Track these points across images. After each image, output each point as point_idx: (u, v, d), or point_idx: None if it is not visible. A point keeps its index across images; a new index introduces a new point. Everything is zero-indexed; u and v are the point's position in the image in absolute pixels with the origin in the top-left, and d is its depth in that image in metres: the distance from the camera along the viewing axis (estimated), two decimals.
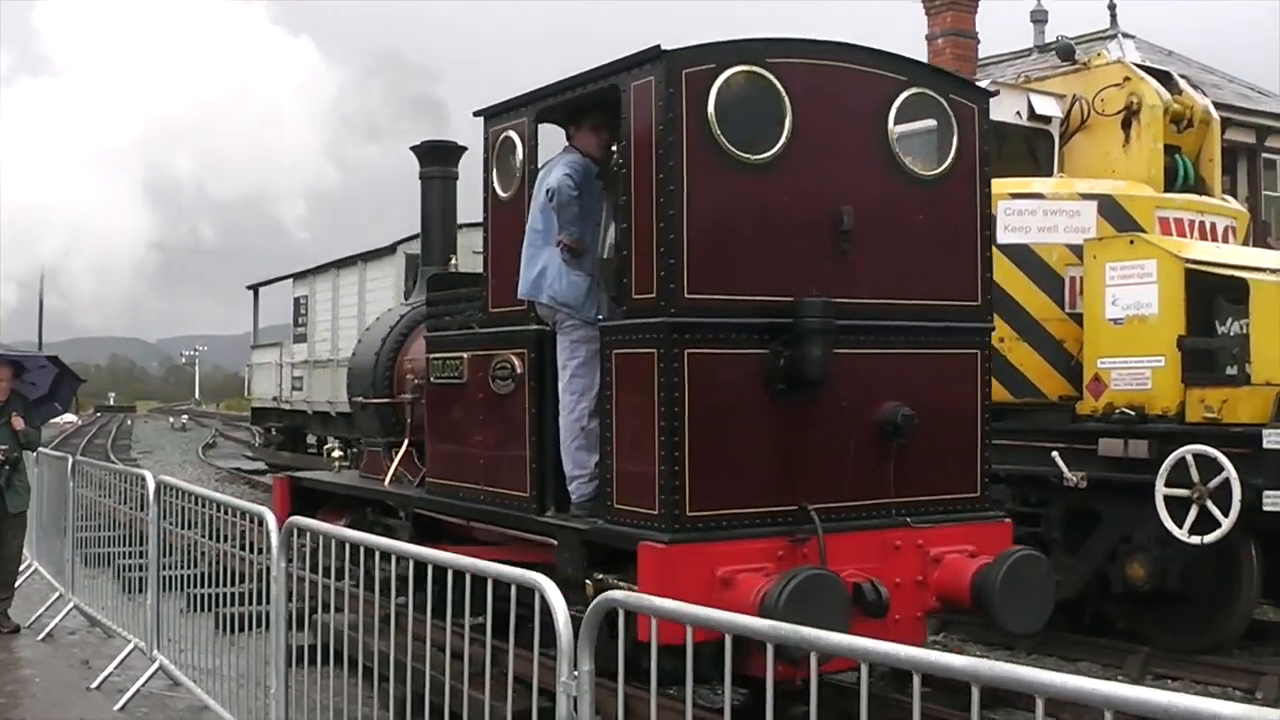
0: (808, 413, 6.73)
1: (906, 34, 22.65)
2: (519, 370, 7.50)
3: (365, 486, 9.67)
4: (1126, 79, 11.44)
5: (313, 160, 19.20)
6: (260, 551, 6.74)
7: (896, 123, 7.08)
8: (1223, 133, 12.52)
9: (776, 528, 6.56)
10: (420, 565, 5.20)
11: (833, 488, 6.77)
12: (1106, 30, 19.61)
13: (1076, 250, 10.27)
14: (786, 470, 6.67)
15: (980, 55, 19.86)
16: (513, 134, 7.67)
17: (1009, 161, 11.23)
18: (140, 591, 9.18)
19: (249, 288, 29.10)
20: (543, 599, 4.31)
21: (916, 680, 3.30)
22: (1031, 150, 11.77)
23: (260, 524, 6.57)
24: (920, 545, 7.00)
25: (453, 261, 10.85)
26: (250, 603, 7.15)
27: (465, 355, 8.09)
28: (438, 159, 10.69)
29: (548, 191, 7.16)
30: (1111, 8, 19.64)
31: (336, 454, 10.85)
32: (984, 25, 19.77)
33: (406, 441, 9.64)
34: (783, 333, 6.58)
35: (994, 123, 9.27)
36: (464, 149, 10.72)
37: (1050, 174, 11.41)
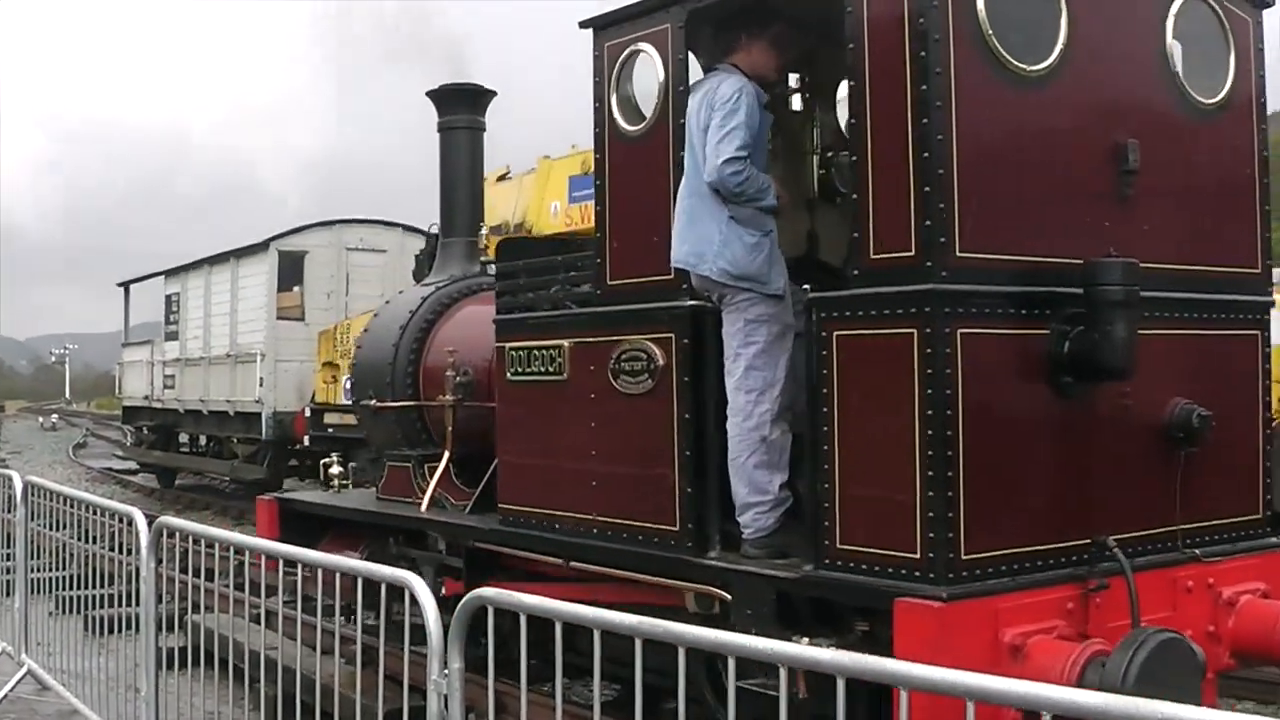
0: (1092, 415, 4.99)
1: None
2: (661, 362, 5.62)
3: (393, 513, 7.67)
4: None
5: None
6: (131, 552, 6.75)
7: (1173, 37, 5.39)
8: None
9: (1065, 571, 4.82)
10: (291, 564, 5.33)
11: (1121, 514, 5.05)
12: None
13: None
14: (1074, 492, 4.92)
15: None
16: (647, 48, 5.78)
17: None
18: (7, 595, 8.91)
19: (120, 285, 26.83)
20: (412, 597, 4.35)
21: None
22: None
23: (130, 524, 6.59)
24: (1211, 585, 5.33)
25: (483, 234, 8.90)
26: (120, 605, 7.25)
27: (566, 344, 6.18)
28: (463, 105, 8.71)
29: (723, 121, 5.30)
30: None
31: (336, 470, 8.81)
32: None
33: (448, 455, 7.69)
34: (1065, 306, 4.84)
35: None
36: (493, 94, 8.78)
37: None
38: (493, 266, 8.61)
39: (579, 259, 6.31)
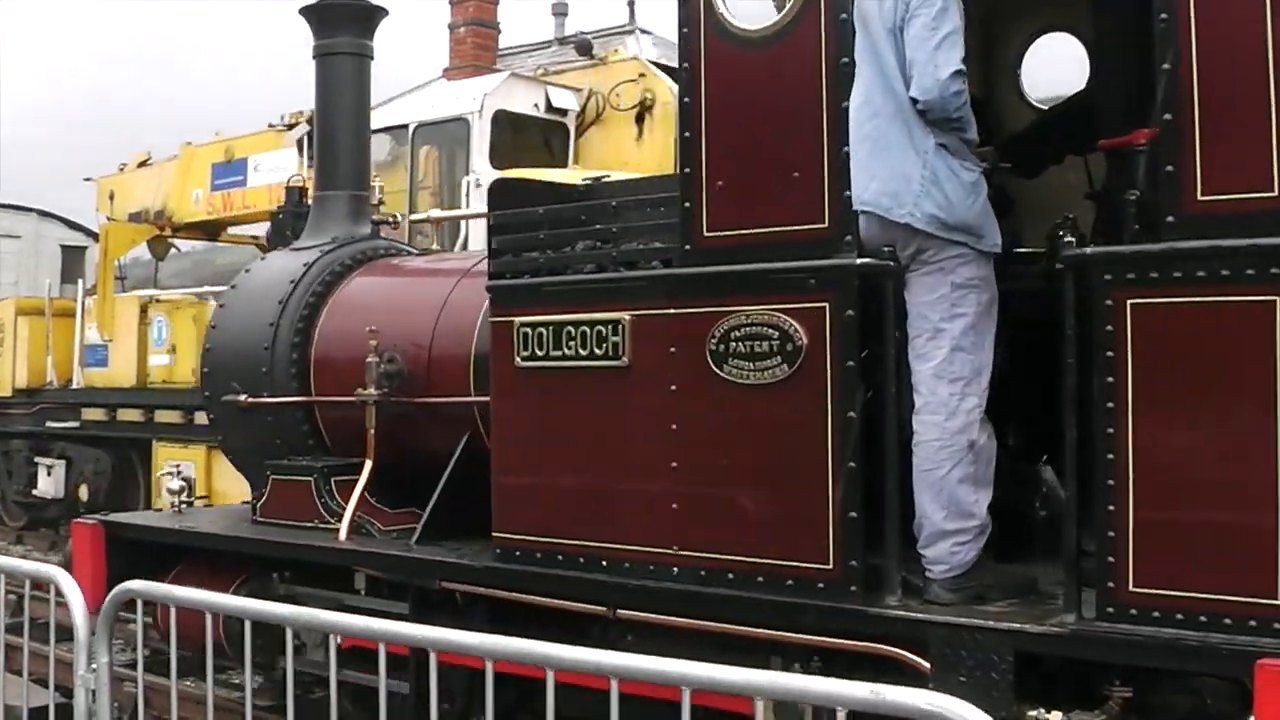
0: None
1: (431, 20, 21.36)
2: (805, 341, 4.14)
3: (312, 544, 5.82)
4: (641, 75, 12.01)
5: None
6: None
7: None
8: None
9: None
10: None
11: None
12: (625, 25, 19.08)
13: None
14: None
15: (501, 46, 19.12)
16: None
17: (524, 152, 11.83)
18: None
19: None
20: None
21: None
22: (547, 142, 12.29)
23: None
24: None
25: (375, 185, 7.11)
26: None
27: (627, 317, 4.60)
28: (348, 25, 6.89)
29: (935, 21, 3.91)
30: (630, 3, 19.13)
31: (175, 485, 6.78)
32: (505, 16, 19.16)
33: (369, 466, 5.92)
34: None
35: (510, 114, 11.78)
36: (385, 12, 7.00)
37: (565, 165, 11.76)
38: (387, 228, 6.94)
39: (644, 203, 4.75)
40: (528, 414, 4.93)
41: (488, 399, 5.52)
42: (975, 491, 4.02)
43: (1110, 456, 3.61)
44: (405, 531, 5.75)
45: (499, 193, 5.18)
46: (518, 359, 4.89)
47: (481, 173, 11.08)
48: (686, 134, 4.46)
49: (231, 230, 16.44)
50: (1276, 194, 3.40)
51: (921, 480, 4.04)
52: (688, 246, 4.45)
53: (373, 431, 5.90)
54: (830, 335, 4.10)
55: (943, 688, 3.78)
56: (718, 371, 4.34)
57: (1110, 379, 3.62)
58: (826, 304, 4.11)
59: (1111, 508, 3.61)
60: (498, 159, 11.62)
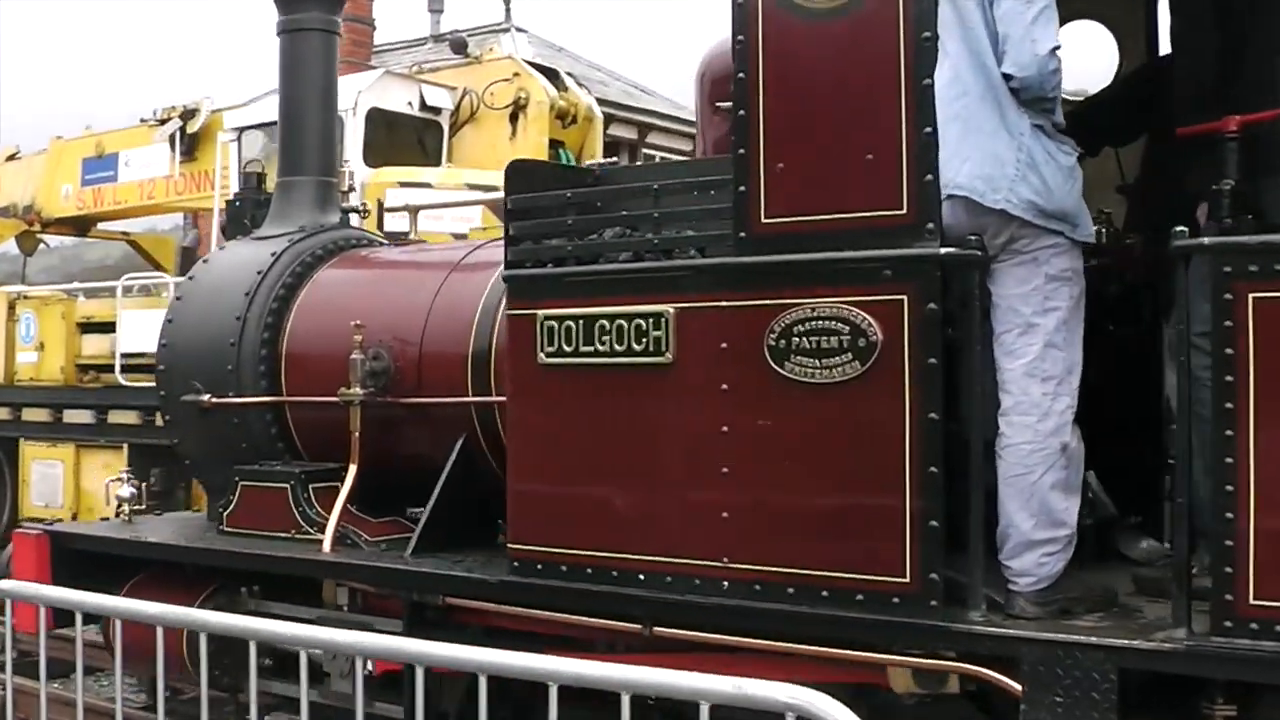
0: None
1: None
2: (881, 336, 3.86)
3: (300, 557, 5.37)
4: (516, 74, 12.11)
5: None
6: None
7: None
8: (606, 128, 13.82)
9: None
10: None
11: None
12: (500, 23, 19.39)
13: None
14: None
15: (376, 42, 19.24)
16: None
17: (398, 150, 11.85)
18: None
19: None
20: None
21: None
22: (421, 140, 12.25)
23: None
24: None
25: (349, 174, 6.68)
26: None
27: (670, 309, 4.27)
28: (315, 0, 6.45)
29: None
30: (506, 2, 19.35)
31: (126, 493, 6.27)
32: (381, 12, 19.31)
33: (353, 472, 5.49)
34: None
35: (384, 111, 11.71)
36: None
37: (439, 164, 11.95)
38: (356, 217, 6.53)
39: (691, 186, 4.42)
40: (552, 415, 4.56)
41: (489, 399, 5.19)
42: (1066, 498, 3.77)
43: (1229, 461, 3.38)
44: (394, 543, 5.34)
45: (515, 176, 4.78)
46: (541, 355, 4.52)
47: (355, 171, 10.72)
48: (741, 112, 4.13)
49: (102, 226, 16.03)
50: None
51: (1009, 486, 3.77)
52: (742, 233, 4.13)
53: (357, 434, 5.48)
54: (909, 330, 3.81)
55: (1038, 708, 3.58)
56: (778, 369, 4.03)
57: (1229, 378, 3.39)
58: (905, 296, 3.82)
59: (1230, 515, 3.38)
60: (372, 157, 11.38)
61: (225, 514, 5.78)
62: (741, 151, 4.13)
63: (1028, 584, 3.78)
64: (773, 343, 4.03)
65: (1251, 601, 3.36)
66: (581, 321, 4.44)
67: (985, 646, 3.73)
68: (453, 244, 6.91)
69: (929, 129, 3.80)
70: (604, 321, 4.39)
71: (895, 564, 3.84)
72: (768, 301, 4.06)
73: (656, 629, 4.35)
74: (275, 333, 5.94)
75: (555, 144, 11.97)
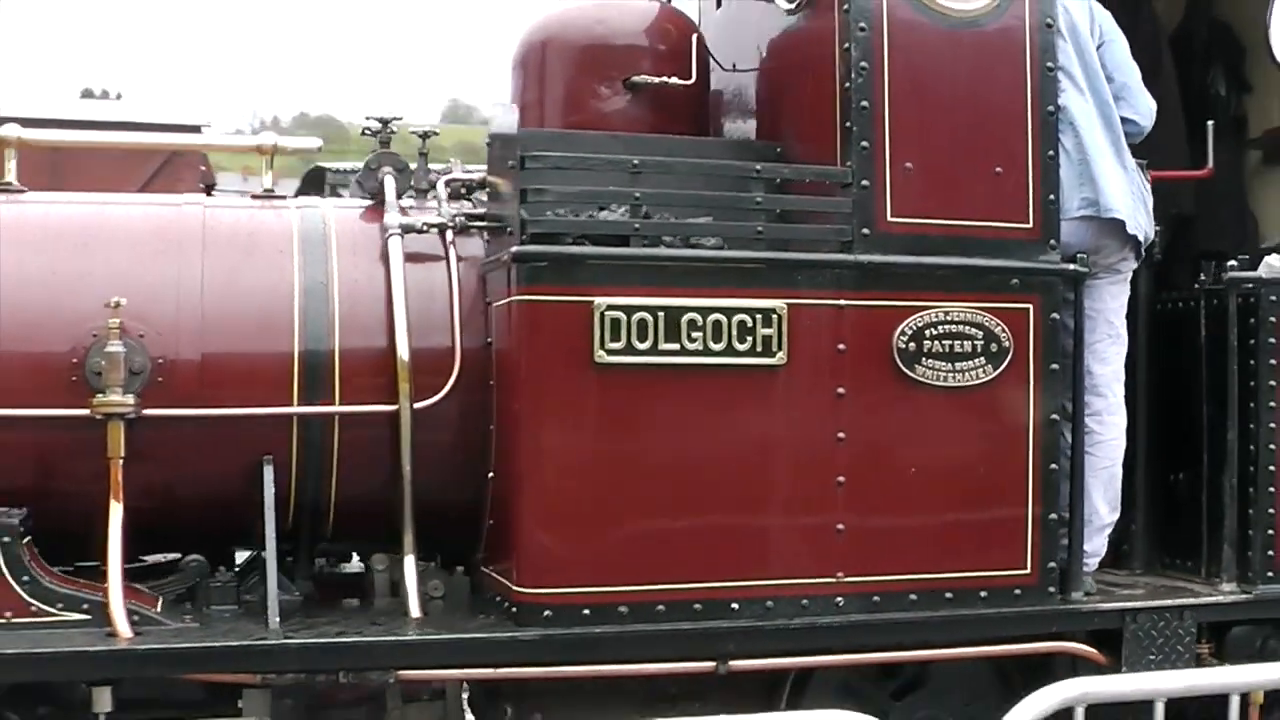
0: None
1: None
2: (1009, 342, 4.00)
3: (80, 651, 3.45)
4: None
5: None
6: None
7: None
8: None
9: None
10: None
11: None
12: None
13: None
14: None
15: None
16: None
17: None
18: None
19: None
20: None
21: None
22: None
23: None
24: None
25: None
26: None
27: (782, 305, 3.83)
28: None
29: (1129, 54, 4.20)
30: None
31: None
32: None
33: (120, 517, 3.71)
34: None
35: None
36: None
37: None
38: None
39: (802, 173, 3.96)
40: (614, 426, 3.75)
41: (327, 409, 3.96)
42: (1118, 486, 4.33)
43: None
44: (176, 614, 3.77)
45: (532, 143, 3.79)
46: (601, 352, 3.70)
47: None
48: (863, 104, 3.93)
49: None
50: None
51: (1096, 478, 4.21)
52: (866, 230, 3.92)
53: (120, 460, 3.72)
54: (1034, 337, 4.05)
55: (1137, 668, 4.13)
56: (908, 373, 3.93)
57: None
58: (1031, 305, 4.05)
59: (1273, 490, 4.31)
60: None
61: None
62: (865, 145, 3.93)
63: (1094, 563, 4.26)
64: (902, 345, 3.93)
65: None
66: (663, 314, 3.76)
67: (1094, 622, 4.14)
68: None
69: (1051, 153, 4.08)
70: (694, 315, 3.78)
71: (1018, 558, 4.05)
72: (896, 303, 3.94)
73: (733, 664, 3.86)
74: None
75: None
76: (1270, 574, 4.34)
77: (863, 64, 3.94)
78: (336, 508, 4.09)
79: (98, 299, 3.80)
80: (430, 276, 4.13)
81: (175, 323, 3.91)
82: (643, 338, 3.74)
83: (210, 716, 3.68)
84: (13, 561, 3.58)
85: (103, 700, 3.58)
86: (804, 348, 3.87)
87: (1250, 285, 4.35)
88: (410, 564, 3.96)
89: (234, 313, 3.98)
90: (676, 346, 3.77)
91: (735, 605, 3.82)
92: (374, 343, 4.04)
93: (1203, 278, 4.55)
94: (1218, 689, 3.84)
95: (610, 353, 3.71)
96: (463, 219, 4.18)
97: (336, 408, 3.98)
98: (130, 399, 3.71)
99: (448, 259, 4.15)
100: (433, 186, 4.32)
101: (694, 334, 3.78)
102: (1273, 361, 4.35)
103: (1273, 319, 4.33)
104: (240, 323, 3.98)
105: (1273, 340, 4.34)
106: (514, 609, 3.74)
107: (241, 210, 4.31)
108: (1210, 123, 4.71)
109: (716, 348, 3.79)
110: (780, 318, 3.83)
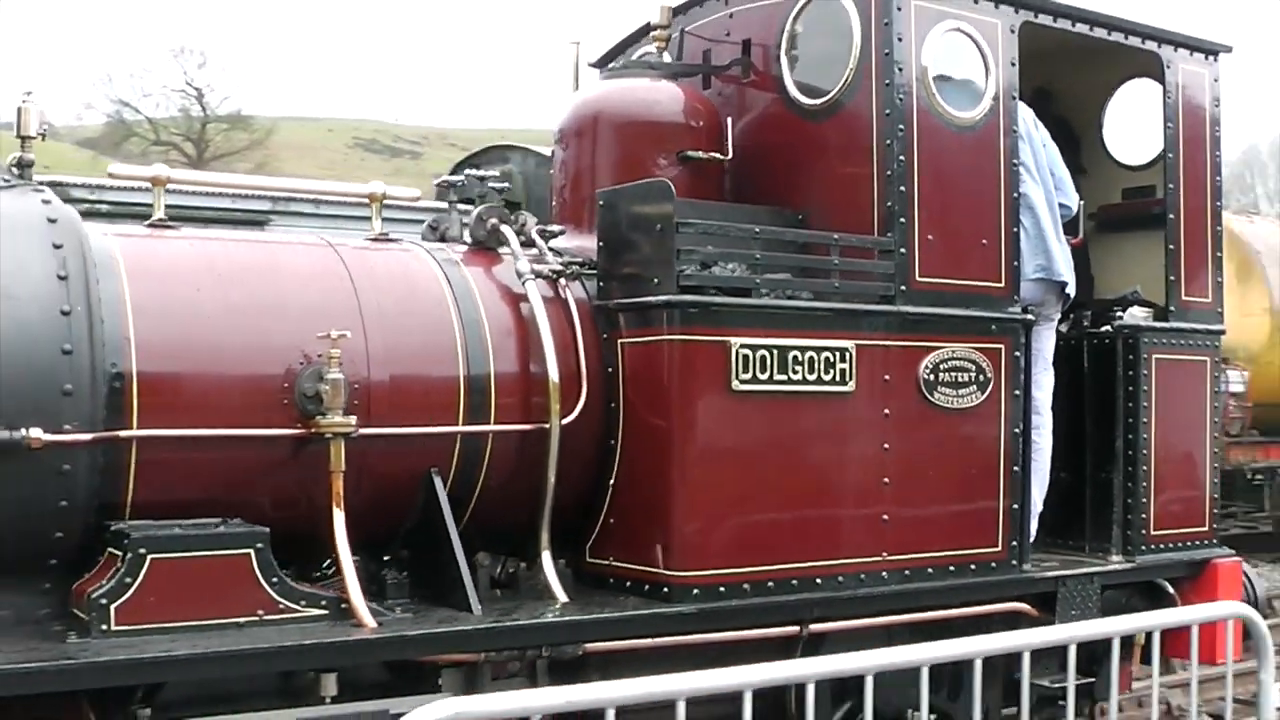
0: None
1: None
2: (988, 374, 5.26)
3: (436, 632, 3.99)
4: None
5: None
6: None
7: None
8: None
9: None
10: None
11: None
12: None
13: None
14: None
15: None
16: (972, 33, 5.25)
17: None
18: None
19: None
20: None
21: None
22: None
23: None
24: None
25: None
26: None
27: (852, 345, 4.90)
28: None
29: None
30: None
31: None
32: None
33: (342, 519, 4.29)
34: None
35: None
36: None
37: None
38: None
39: (867, 244, 5.02)
40: (744, 441, 4.70)
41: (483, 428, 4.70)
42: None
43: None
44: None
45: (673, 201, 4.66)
46: (735, 382, 4.66)
47: None
48: (901, 189, 5.07)
49: None
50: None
51: (1038, 475, 5.55)
52: (904, 286, 5.07)
53: (341, 473, 4.30)
54: (1005, 369, 5.34)
55: (1065, 620, 5.52)
56: (929, 397, 5.12)
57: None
58: (1003, 345, 5.33)
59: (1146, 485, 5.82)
60: None
61: (113, 605, 3.86)
62: (903, 221, 5.08)
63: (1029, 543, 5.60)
64: (926, 376, 5.12)
65: (1152, 533, 5.83)
66: (777, 351, 4.76)
67: (1038, 587, 5.47)
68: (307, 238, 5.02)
69: (1016, 229, 5.39)
70: (796, 352, 4.81)
71: (993, 539, 5.33)
72: (922, 343, 5.12)
73: (811, 627, 4.90)
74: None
75: None
76: (1145, 546, 5.84)
77: (901, 157, 5.10)
78: (473, 511, 4.77)
79: (298, 327, 4.35)
80: (554, 314, 4.89)
81: (364, 350, 4.49)
82: (763, 370, 4.72)
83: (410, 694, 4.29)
84: (265, 565, 4.06)
85: (329, 685, 4.16)
86: (864, 378, 4.97)
87: (1129, 330, 5.85)
88: (548, 559, 4.72)
89: (409, 342, 4.60)
90: (785, 377, 4.77)
91: (819, 580, 4.87)
92: (513, 369, 4.77)
93: (1085, 323, 6.02)
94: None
95: (742, 382, 4.67)
96: (576, 267, 4.97)
97: (495, 426, 4.67)
98: (353, 419, 4.29)
99: (563, 299, 4.93)
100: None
101: (796, 367, 4.80)
102: (1146, 388, 5.85)
103: (1146, 356, 5.84)
104: (415, 350, 4.61)
105: (1146, 372, 5.85)
106: (665, 589, 4.60)
107: (376, 252, 4.89)
108: (1081, 202, 6.19)
109: (811, 378, 4.83)
110: (851, 355, 4.92)
